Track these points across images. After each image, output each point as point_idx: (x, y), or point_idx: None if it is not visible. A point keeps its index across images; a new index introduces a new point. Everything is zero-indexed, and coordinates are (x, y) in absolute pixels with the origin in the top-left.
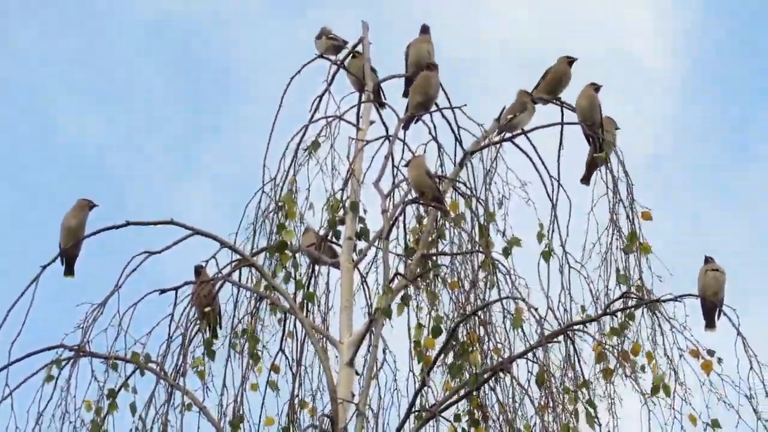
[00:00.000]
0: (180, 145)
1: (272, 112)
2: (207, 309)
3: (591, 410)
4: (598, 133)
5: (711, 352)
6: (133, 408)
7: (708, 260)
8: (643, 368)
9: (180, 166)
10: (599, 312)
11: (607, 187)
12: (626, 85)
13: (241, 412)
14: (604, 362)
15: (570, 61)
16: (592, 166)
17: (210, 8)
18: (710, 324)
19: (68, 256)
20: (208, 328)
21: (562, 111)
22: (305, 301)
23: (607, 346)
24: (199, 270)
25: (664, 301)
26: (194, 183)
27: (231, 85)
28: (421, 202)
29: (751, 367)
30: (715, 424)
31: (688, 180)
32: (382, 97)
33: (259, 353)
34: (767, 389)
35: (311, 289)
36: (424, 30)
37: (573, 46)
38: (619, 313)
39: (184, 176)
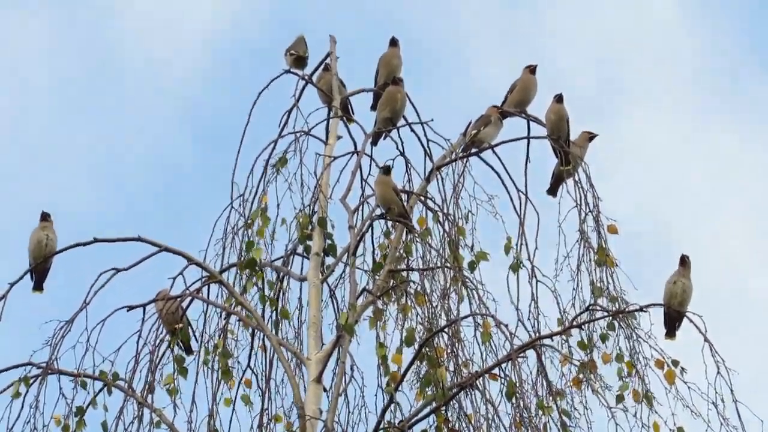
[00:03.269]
0: None
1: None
2: (178, 326)
3: (567, 419)
4: (565, 147)
5: (675, 363)
6: (104, 426)
7: (683, 260)
8: (619, 373)
9: None
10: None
11: (576, 202)
12: None
13: (214, 427)
14: (572, 368)
15: (532, 68)
16: (559, 178)
17: None
18: (671, 333)
19: (39, 272)
20: (179, 345)
21: (528, 125)
22: (278, 317)
23: (574, 360)
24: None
25: (630, 311)
26: None
27: None
28: (388, 217)
29: (718, 372)
30: (680, 431)
31: None
32: (351, 111)
33: (231, 369)
34: (734, 395)
35: (282, 304)
36: (393, 43)
37: None
38: (585, 326)
39: None
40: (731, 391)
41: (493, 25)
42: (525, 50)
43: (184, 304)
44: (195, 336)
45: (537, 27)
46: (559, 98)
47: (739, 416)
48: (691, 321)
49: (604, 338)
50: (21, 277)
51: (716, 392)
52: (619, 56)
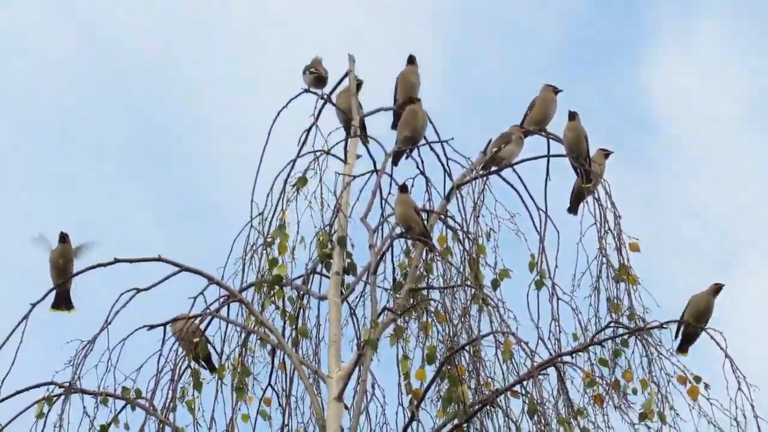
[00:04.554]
0: None
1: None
2: (195, 340)
3: None
4: (585, 165)
5: (698, 379)
6: None
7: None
8: (634, 392)
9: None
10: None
11: (595, 219)
12: None
13: None
14: (594, 387)
15: (555, 89)
16: (579, 196)
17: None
18: (683, 348)
19: (61, 292)
20: (200, 364)
21: (548, 143)
22: (297, 336)
23: (596, 377)
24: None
25: (650, 328)
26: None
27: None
28: (408, 236)
29: (739, 388)
30: None
31: None
32: (367, 130)
33: (248, 386)
34: (755, 411)
35: (302, 322)
36: (411, 61)
37: None
38: (606, 343)
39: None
40: (752, 407)
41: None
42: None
43: (204, 324)
44: (216, 352)
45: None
46: (572, 116)
47: None
48: (712, 338)
49: (617, 354)
50: (43, 298)
51: (737, 408)
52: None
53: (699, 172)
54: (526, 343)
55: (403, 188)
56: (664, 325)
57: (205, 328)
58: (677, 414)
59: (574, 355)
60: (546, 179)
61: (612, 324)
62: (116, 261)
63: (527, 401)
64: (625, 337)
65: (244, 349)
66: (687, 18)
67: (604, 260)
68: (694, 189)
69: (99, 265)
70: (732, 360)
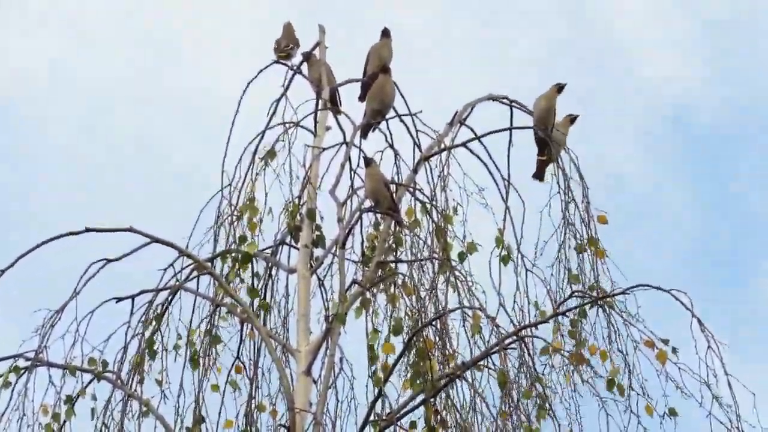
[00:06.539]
0: None
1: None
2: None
3: (546, 403)
4: (549, 136)
5: (665, 341)
6: (93, 413)
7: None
8: (590, 366)
9: None
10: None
11: (560, 187)
12: None
13: (200, 413)
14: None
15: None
16: (544, 162)
17: None
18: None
19: None
20: None
21: (511, 112)
22: (262, 309)
23: (561, 349)
24: None
25: (613, 296)
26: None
27: None
28: (377, 210)
29: (709, 346)
30: (672, 412)
31: None
32: (339, 102)
33: (217, 356)
34: (726, 368)
35: (271, 295)
36: (385, 34)
37: None
38: (569, 313)
39: None
40: (722, 364)
41: None
42: None
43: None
44: None
45: None
46: (560, 88)
47: (730, 389)
48: (677, 299)
49: (574, 323)
50: (11, 265)
51: (708, 367)
52: None
53: None
54: (493, 319)
55: (368, 162)
56: (628, 291)
57: (172, 300)
58: (645, 380)
59: (536, 327)
60: (509, 148)
61: (575, 294)
62: (87, 230)
63: (496, 374)
64: (587, 307)
65: (211, 321)
66: None
67: (568, 230)
68: None
69: (70, 233)
70: (699, 320)
